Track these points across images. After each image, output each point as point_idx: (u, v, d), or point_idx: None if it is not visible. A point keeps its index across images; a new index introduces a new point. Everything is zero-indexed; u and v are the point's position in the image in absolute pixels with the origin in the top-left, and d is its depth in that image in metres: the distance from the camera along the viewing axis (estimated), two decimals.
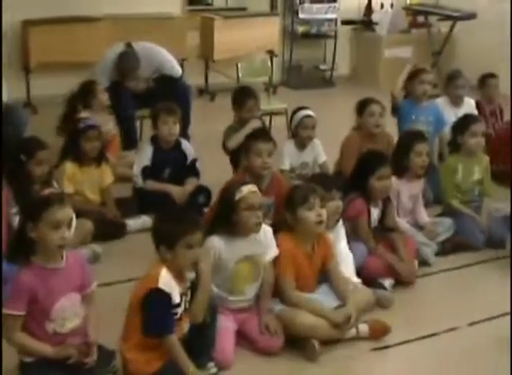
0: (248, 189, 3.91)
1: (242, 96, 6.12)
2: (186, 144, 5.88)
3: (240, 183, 4.02)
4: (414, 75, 6.52)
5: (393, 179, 5.06)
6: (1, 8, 6.85)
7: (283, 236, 4.13)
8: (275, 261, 4.06)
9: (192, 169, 5.81)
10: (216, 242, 3.90)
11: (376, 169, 4.77)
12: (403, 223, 5.17)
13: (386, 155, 5.13)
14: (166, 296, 3.39)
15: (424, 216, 5.42)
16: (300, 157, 5.84)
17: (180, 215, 3.60)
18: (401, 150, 5.32)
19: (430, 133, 6.45)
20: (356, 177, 4.84)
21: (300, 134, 5.80)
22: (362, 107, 5.97)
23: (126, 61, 6.91)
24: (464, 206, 5.59)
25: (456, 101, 6.92)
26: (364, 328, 4.13)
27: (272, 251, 4.04)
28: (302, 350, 3.98)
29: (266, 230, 4.05)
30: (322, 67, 10.69)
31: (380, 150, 5.34)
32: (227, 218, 3.89)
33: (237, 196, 3.87)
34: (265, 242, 4.02)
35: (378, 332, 4.15)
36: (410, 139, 5.38)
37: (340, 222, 4.55)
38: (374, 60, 10.59)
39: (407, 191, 5.28)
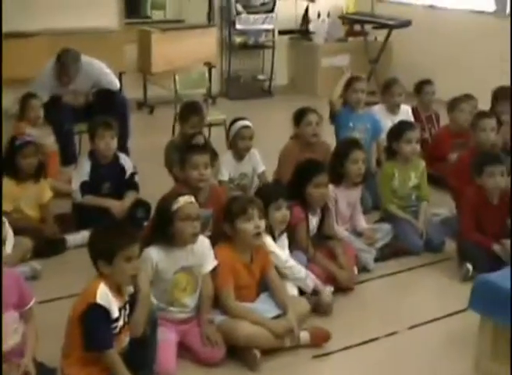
0: (185, 200, 3.92)
1: (187, 112, 6.11)
2: (124, 158, 5.87)
3: (177, 194, 4.03)
4: (349, 83, 6.61)
5: (331, 187, 5.12)
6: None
7: (222, 247, 4.15)
8: (214, 272, 4.08)
9: (131, 183, 5.80)
10: (153, 253, 3.90)
11: (313, 177, 4.82)
12: (341, 230, 5.22)
13: (323, 163, 5.17)
14: (104, 311, 3.38)
15: (362, 223, 5.47)
16: (238, 167, 5.86)
17: (116, 228, 3.59)
18: (337, 158, 5.36)
19: (367, 140, 6.55)
20: (293, 186, 4.87)
21: (238, 145, 5.82)
22: (299, 117, 6.02)
23: (66, 57, 6.83)
24: (402, 211, 5.65)
25: (393, 109, 7.02)
26: (304, 336, 4.15)
27: (210, 262, 4.06)
28: (243, 360, 3.99)
29: (203, 241, 4.07)
30: (261, 77, 10.75)
31: (317, 158, 5.40)
32: (164, 229, 3.90)
33: (174, 207, 3.88)
34: (203, 253, 4.04)
35: (319, 339, 4.18)
36: (345, 147, 5.43)
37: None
38: (311, 69, 10.68)
39: (344, 198, 5.32)
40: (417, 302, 4.84)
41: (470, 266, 5.03)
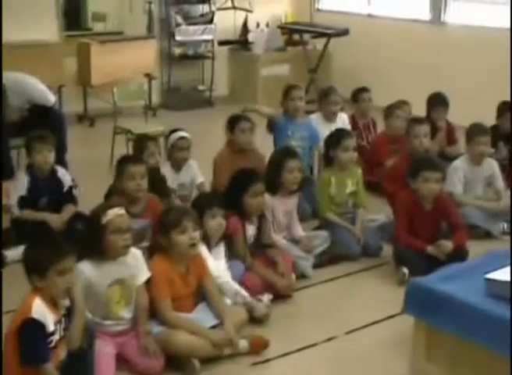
0: (115, 212, 3.93)
1: (140, 143, 6.02)
2: (62, 172, 5.86)
3: (107, 206, 4.03)
4: (286, 92, 6.67)
5: (267, 196, 5.17)
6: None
7: (157, 258, 4.17)
8: (150, 283, 4.09)
9: (69, 197, 5.79)
10: (85, 267, 3.90)
11: (249, 186, 4.86)
12: (279, 238, 5.27)
13: (259, 172, 5.21)
14: (40, 325, 3.36)
15: (299, 231, 5.51)
16: (177, 178, 5.89)
17: (49, 242, 3.59)
18: (273, 167, 5.40)
19: (306, 148, 6.62)
20: (230, 195, 4.90)
21: (176, 156, 5.85)
22: (233, 123, 6.09)
23: None
24: (340, 218, 5.73)
25: (330, 117, 7.09)
26: (243, 344, 4.18)
27: (143, 274, 4.07)
28: (182, 369, 4.01)
29: (135, 253, 4.08)
30: (201, 88, 10.79)
31: (252, 166, 5.45)
32: (95, 242, 3.90)
33: (104, 220, 3.89)
34: (135, 265, 4.05)
35: (258, 346, 4.22)
36: (281, 156, 5.47)
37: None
38: (252, 79, 10.73)
39: (281, 207, 5.37)
40: (355, 307, 4.92)
41: (406, 270, 5.12)
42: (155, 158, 5.83)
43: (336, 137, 5.88)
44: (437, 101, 7.49)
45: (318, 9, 11.53)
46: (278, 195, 5.35)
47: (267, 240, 5.05)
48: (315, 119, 7.09)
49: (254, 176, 5.00)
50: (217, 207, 4.53)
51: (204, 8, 10.62)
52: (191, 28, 10.34)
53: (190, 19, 10.44)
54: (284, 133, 6.61)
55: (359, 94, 7.60)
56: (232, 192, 4.90)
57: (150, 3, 10.20)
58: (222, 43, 10.82)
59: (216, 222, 4.51)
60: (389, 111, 7.11)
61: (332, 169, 5.84)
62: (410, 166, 5.42)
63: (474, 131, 6.32)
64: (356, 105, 7.61)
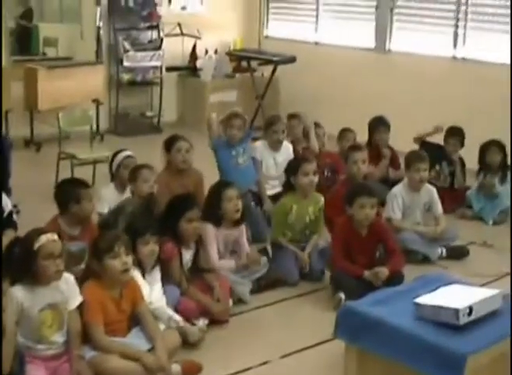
0: (47, 238, 3.93)
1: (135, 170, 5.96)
2: (3, 197, 5.83)
3: (40, 231, 4.04)
4: (227, 120, 6.74)
5: (211, 227, 5.25)
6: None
7: (90, 283, 4.18)
8: (83, 308, 4.10)
9: (9, 222, 5.76)
10: (17, 292, 3.88)
11: (185, 212, 4.91)
12: (219, 262, 5.29)
13: (194, 197, 5.26)
14: None
15: (243, 258, 5.54)
16: (120, 199, 5.85)
17: None
18: (213, 199, 5.43)
19: (250, 167, 6.72)
20: (166, 220, 4.94)
21: (122, 175, 5.89)
22: (170, 144, 6.16)
23: None
24: (292, 243, 5.79)
25: (275, 146, 7.06)
26: (176, 368, 4.19)
27: (76, 299, 4.07)
28: None
29: (68, 278, 4.07)
30: (149, 114, 10.81)
31: (191, 186, 5.64)
32: (27, 266, 3.90)
33: (36, 245, 3.89)
34: (68, 290, 4.04)
35: (191, 371, 4.24)
36: (219, 188, 5.51)
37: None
38: (200, 105, 10.77)
39: (225, 238, 5.43)
40: (290, 332, 4.94)
41: (342, 295, 5.18)
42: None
43: (296, 163, 5.96)
44: (378, 124, 7.62)
45: (267, 37, 11.65)
46: (222, 226, 5.39)
47: (205, 264, 5.09)
48: (260, 146, 7.15)
49: (189, 201, 5.05)
50: (150, 233, 4.56)
51: (152, 35, 10.66)
52: (139, 54, 10.38)
53: (138, 46, 10.47)
54: (227, 156, 6.68)
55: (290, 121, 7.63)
56: (168, 218, 4.94)
57: (99, 29, 10.23)
58: (170, 69, 10.87)
59: (149, 248, 4.54)
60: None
61: (294, 196, 5.88)
62: (346, 193, 5.50)
63: (412, 158, 6.44)
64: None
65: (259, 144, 7.17)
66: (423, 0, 9.57)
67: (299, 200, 5.83)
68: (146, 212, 5.17)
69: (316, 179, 5.86)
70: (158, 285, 4.62)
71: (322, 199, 5.95)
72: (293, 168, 5.90)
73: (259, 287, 5.44)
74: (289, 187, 5.96)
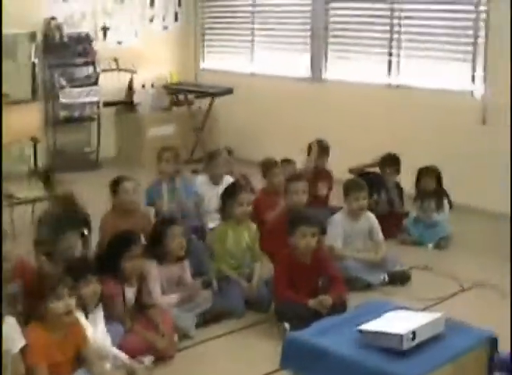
0: None
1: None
2: None
3: None
4: (160, 155, 6.77)
5: (154, 263, 5.26)
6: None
7: (34, 325, 4.13)
8: (26, 351, 4.04)
9: None
10: None
11: (126, 249, 4.89)
12: (162, 297, 5.27)
13: (136, 234, 5.24)
14: None
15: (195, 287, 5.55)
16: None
17: None
18: (156, 236, 5.45)
19: (189, 208, 6.71)
20: (108, 258, 4.92)
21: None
22: (116, 185, 6.13)
23: None
24: (236, 272, 5.81)
25: (216, 179, 7.10)
26: None
27: (19, 342, 4.01)
28: None
29: (9, 320, 4.01)
30: (87, 150, 10.73)
31: (137, 227, 5.55)
32: None
33: None
34: (9, 334, 3.97)
35: None
36: (162, 225, 5.53)
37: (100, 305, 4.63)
38: (138, 140, 10.73)
39: (169, 273, 5.43)
40: (237, 365, 4.92)
41: (287, 325, 5.18)
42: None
43: (231, 192, 6.01)
44: (318, 148, 7.73)
45: (203, 69, 11.71)
46: (165, 263, 5.40)
47: (148, 300, 5.06)
48: (201, 180, 7.17)
49: (131, 239, 5.03)
50: (90, 274, 4.53)
51: (88, 70, 10.60)
52: (75, 90, 10.33)
53: (74, 81, 10.41)
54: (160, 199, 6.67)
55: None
56: (110, 256, 4.92)
57: (34, 65, 10.17)
58: (107, 104, 10.81)
59: (90, 288, 4.50)
60: (268, 168, 7.26)
61: (228, 223, 5.94)
62: (288, 222, 5.54)
63: (351, 187, 6.51)
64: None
65: (200, 178, 7.21)
66: (357, 29, 9.71)
67: (234, 226, 5.90)
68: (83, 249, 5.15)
69: (249, 209, 5.94)
70: (102, 324, 4.59)
71: (255, 226, 6.04)
72: (228, 196, 5.98)
73: (204, 320, 5.41)
74: (223, 214, 6.04)
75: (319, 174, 7.72)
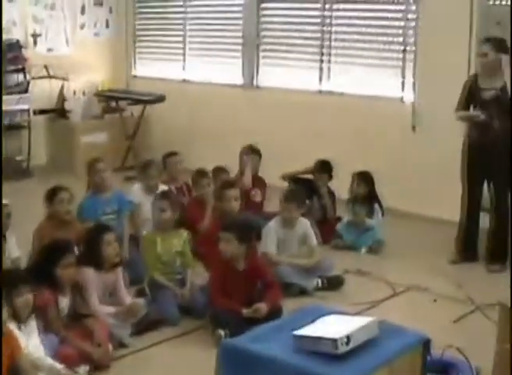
0: None
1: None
2: None
3: None
4: (90, 165, 6.73)
5: (89, 271, 5.21)
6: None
7: None
8: None
9: None
10: None
11: (60, 258, 4.85)
12: (99, 307, 5.23)
13: (69, 242, 5.20)
14: None
15: (126, 299, 5.50)
16: None
17: None
18: (91, 243, 5.41)
19: (121, 220, 6.68)
20: (41, 267, 4.87)
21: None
22: (51, 195, 6.07)
23: None
24: (168, 278, 5.79)
25: (150, 189, 7.03)
26: None
27: None
28: None
29: None
30: (18, 158, 10.56)
31: (72, 236, 5.52)
32: None
33: None
34: None
35: None
36: (95, 233, 5.49)
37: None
38: (70, 147, 10.61)
39: (103, 281, 5.37)
40: (173, 373, 4.92)
41: (222, 332, 5.18)
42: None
43: (156, 200, 6.07)
44: (249, 154, 7.78)
45: (135, 76, 11.66)
46: (100, 270, 5.35)
47: (83, 310, 5.02)
48: (136, 190, 7.14)
49: (64, 247, 5.00)
50: (22, 284, 4.47)
51: (18, 78, 10.45)
52: (6, 98, 10.17)
53: (4, 89, 10.26)
54: (92, 213, 6.60)
55: (168, 159, 7.65)
56: (43, 265, 4.87)
57: None
58: (38, 112, 10.68)
59: (23, 299, 4.43)
60: (196, 177, 7.29)
61: (157, 231, 5.97)
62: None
63: (286, 195, 6.56)
64: (167, 170, 7.63)
65: (135, 187, 7.18)
66: (289, 36, 9.78)
67: (162, 233, 5.91)
68: None
69: (170, 214, 5.94)
70: (35, 335, 4.52)
71: (185, 233, 6.04)
72: (152, 204, 6.05)
73: (139, 329, 5.38)
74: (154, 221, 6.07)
75: (253, 181, 7.73)
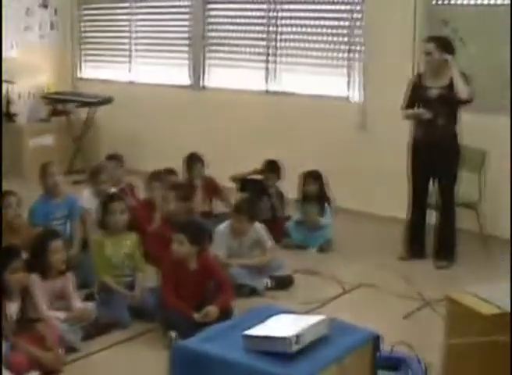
0: None
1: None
2: None
3: None
4: (43, 169, 6.68)
5: (36, 277, 5.19)
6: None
7: None
8: None
9: None
10: None
11: (9, 262, 4.81)
12: (48, 312, 5.19)
13: (18, 247, 5.15)
14: None
15: (76, 303, 5.45)
16: None
17: None
18: (38, 249, 5.35)
19: (71, 224, 6.66)
20: None
21: None
22: None
23: None
24: (117, 281, 5.77)
25: (101, 194, 7.01)
26: None
27: None
28: None
29: None
30: None
31: (21, 241, 5.47)
32: None
33: None
34: None
35: None
36: (43, 239, 5.44)
37: None
38: (17, 151, 10.44)
39: (52, 287, 5.33)
40: None
41: (173, 334, 5.18)
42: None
43: (105, 202, 6.04)
44: (192, 160, 7.78)
45: (81, 78, 11.58)
46: (48, 276, 5.32)
47: (32, 315, 4.97)
48: (86, 195, 7.10)
49: (11, 252, 4.94)
50: None
51: None
52: None
53: None
54: (43, 219, 6.56)
55: (110, 161, 7.65)
56: None
57: None
58: None
59: None
60: (150, 179, 7.27)
61: (105, 234, 5.94)
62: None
63: (239, 207, 6.59)
64: (105, 174, 7.59)
65: (85, 192, 7.14)
66: (235, 37, 9.80)
67: (111, 235, 5.91)
68: None
69: (124, 217, 5.94)
70: None
71: (135, 236, 6.03)
72: (102, 206, 6.01)
73: (90, 333, 5.34)
74: (100, 224, 6.03)
75: (205, 188, 7.77)
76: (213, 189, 7.90)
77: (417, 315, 5.82)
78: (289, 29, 9.30)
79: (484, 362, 4.15)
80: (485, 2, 7.68)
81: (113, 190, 7.17)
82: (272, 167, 7.92)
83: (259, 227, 6.58)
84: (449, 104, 6.75)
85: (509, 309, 4.08)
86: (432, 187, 7.08)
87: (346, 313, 5.25)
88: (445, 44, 6.82)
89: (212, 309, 5.28)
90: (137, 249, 5.99)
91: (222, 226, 6.52)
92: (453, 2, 7.86)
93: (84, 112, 10.76)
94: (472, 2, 7.77)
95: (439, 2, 7.93)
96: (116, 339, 5.38)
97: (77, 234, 6.71)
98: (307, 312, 5.37)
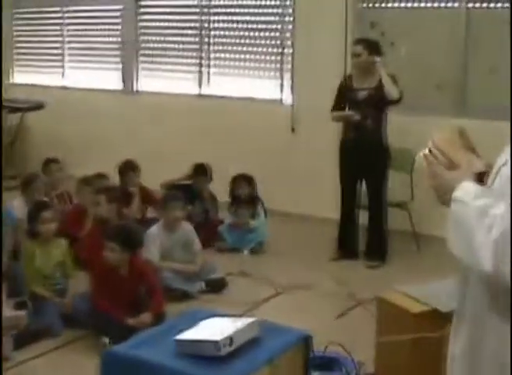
0: None
1: None
2: None
3: None
4: None
5: None
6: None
7: None
8: None
9: None
10: None
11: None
12: None
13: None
14: None
15: (5, 312, 5.38)
16: None
17: None
18: None
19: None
20: None
21: None
22: None
23: None
24: (49, 289, 5.75)
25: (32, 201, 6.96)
26: None
27: None
28: None
29: None
30: None
31: None
32: None
33: None
34: None
35: None
36: None
37: None
38: None
39: None
40: None
41: (106, 340, 5.17)
42: None
43: (35, 211, 5.97)
44: (126, 168, 7.74)
45: (12, 84, 11.43)
46: None
47: None
48: (18, 204, 7.00)
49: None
50: None
51: None
52: None
53: None
54: None
55: (48, 166, 7.60)
56: None
57: None
58: None
59: None
60: (80, 184, 7.24)
61: (36, 242, 5.88)
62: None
63: (167, 197, 6.62)
64: (47, 177, 7.56)
65: (17, 201, 7.05)
66: (168, 41, 9.81)
67: (41, 244, 5.87)
68: None
69: (53, 226, 5.90)
70: None
71: (64, 242, 6.02)
72: (32, 216, 5.97)
73: (22, 341, 5.27)
74: (31, 233, 5.98)
75: (138, 191, 7.76)
76: (148, 198, 7.84)
77: (349, 314, 5.90)
78: (221, 33, 9.34)
79: (413, 359, 4.23)
80: (413, 5, 7.82)
81: (45, 198, 7.08)
82: (200, 170, 7.93)
83: (189, 227, 6.65)
84: (377, 105, 6.84)
85: (437, 306, 4.16)
86: (361, 187, 7.17)
87: (279, 314, 5.31)
88: (373, 46, 6.91)
89: (146, 317, 5.30)
90: (68, 256, 5.97)
91: (154, 227, 6.53)
92: (382, 5, 7.97)
93: (16, 118, 10.61)
94: (399, 5, 7.89)
95: (370, 5, 8.04)
96: (49, 347, 5.35)
97: (7, 244, 6.61)
98: (240, 315, 5.39)
